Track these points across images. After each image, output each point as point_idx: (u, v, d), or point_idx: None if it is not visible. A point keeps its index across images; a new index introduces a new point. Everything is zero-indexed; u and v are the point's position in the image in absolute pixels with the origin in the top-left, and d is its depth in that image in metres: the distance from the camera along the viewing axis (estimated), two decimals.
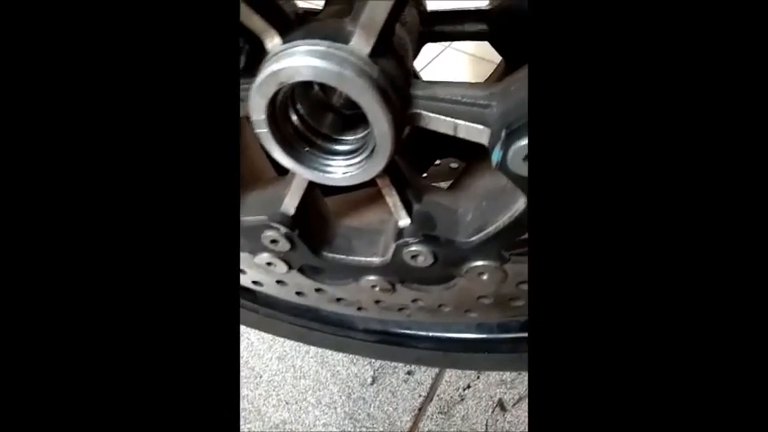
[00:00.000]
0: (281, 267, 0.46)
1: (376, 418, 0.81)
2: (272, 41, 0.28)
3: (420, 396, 0.82)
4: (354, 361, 0.88)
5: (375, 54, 0.27)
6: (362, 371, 0.87)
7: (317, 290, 0.50)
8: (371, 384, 0.85)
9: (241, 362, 0.90)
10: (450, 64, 1.23)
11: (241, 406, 0.83)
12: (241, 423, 0.81)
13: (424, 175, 0.62)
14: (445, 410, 0.81)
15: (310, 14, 0.38)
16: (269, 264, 0.45)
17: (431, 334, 0.65)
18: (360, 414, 0.81)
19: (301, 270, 0.47)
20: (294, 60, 0.27)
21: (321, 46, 0.27)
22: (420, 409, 0.81)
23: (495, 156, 0.28)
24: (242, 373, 0.88)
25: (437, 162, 0.63)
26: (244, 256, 0.46)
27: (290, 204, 0.40)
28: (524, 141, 0.26)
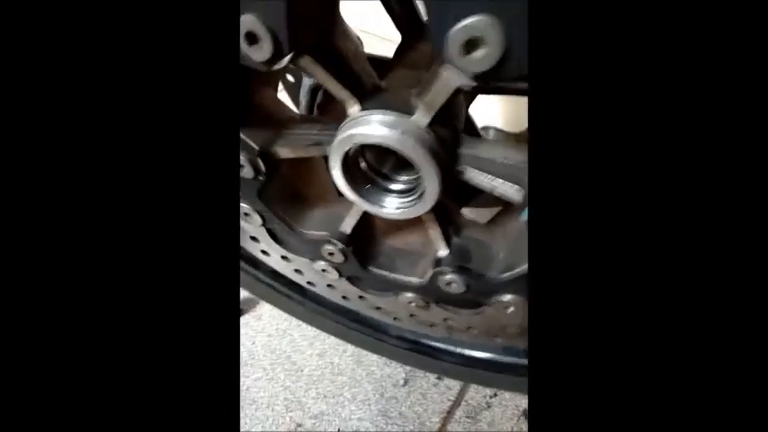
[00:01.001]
0: (333, 275, 0.55)
1: (407, 417, 0.88)
2: (352, 108, 0.37)
3: (449, 400, 0.89)
4: (388, 363, 0.96)
5: (433, 124, 0.35)
6: (395, 372, 0.95)
7: (360, 297, 0.59)
8: (403, 386, 0.93)
9: (284, 356, 1.01)
10: None
11: (283, 396, 0.94)
12: (283, 410, 0.92)
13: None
14: (472, 415, 0.87)
15: (382, 63, 0.46)
16: (323, 270, 0.55)
17: (458, 350, 0.72)
18: (392, 412, 0.89)
19: (349, 279, 0.56)
20: (368, 128, 0.35)
21: (390, 116, 0.35)
22: (449, 412, 0.87)
23: (524, 214, 0.35)
24: (284, 367, 0.99)
25: None
26: (304, 260, 0.57)
27: (347, 225, 0.49)
28: None
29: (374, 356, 0.97)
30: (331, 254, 0.51)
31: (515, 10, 0.23)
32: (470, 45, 0.25)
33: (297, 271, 0.61)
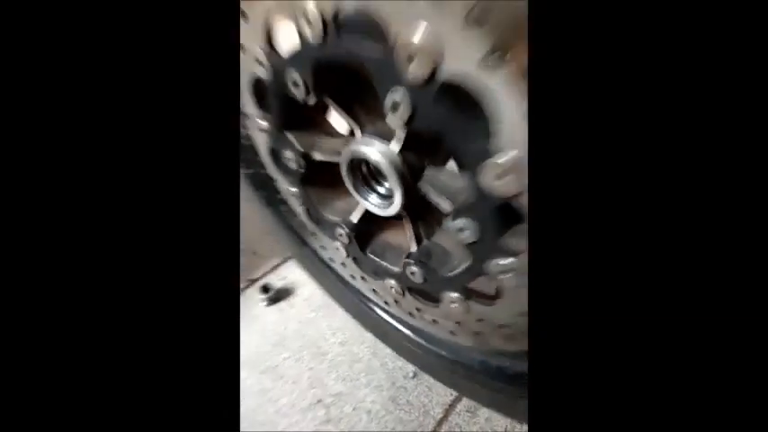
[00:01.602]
0: (343, 253, 0.75)
1: (413, 405, 1.03)
2: (357, 132, 0.57)
3: (452, 394, 1.02)
4: (400, 357, 1.09)
5: (403, 150, 0.53)
6: (406, 366, 1.10)
7: (362, 278, 0.77)
8: (412, 378, 1.08)
9: (310, 342, 1.21)
10: None
11: (307, 375, 1.13)
12: (307, 387, 1.10)
13: None
14: (472, 410, 0.99)
15: None
16: (337, 249, 0.75)
17: (443, 352, 0.84)
18: (401, 400, 1.04)
19: (354, 259, 0.75)
20: (362, 148, 0.55)
21: (376, 141, 0.54)
22: (451, 405, 1.00)
23: (448, 223, 0.50)
24: (310, 350, 1.19)
25: None
26: (327, 239, 0.77)
27: (355, 216, 0.69)
28: (456, 221, 0.48)
29: (388, 350, 1.12)
30: (340, 235, 0.71)
31: (421, 83, 0.40)
32: (395, 106, 0.42)
33: (322, 247, 0.82)
